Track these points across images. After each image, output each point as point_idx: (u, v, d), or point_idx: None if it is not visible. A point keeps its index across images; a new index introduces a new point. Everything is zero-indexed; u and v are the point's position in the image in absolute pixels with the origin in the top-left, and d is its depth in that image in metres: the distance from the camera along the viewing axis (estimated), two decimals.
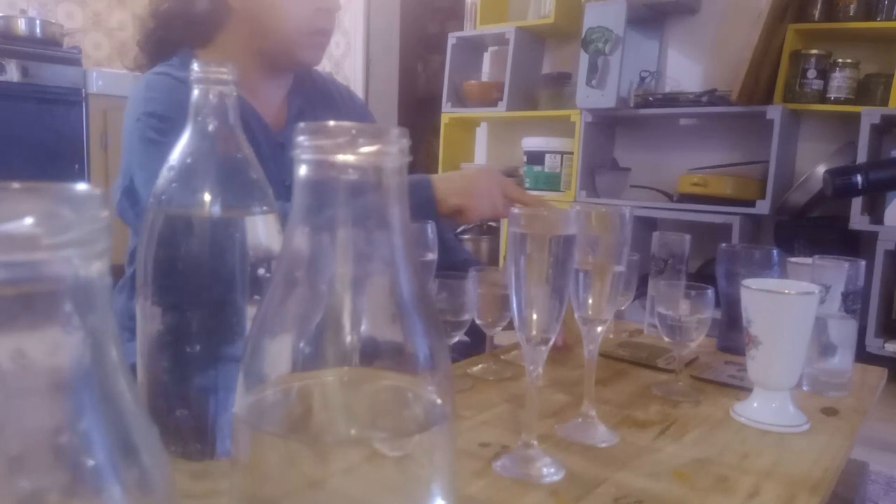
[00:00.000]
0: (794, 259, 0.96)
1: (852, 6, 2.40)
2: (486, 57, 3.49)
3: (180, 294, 0.47)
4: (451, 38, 3.31)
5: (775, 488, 0.62)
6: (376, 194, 0.33)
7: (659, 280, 1.05)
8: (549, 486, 0.60)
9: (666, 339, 0.85)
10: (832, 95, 2.43)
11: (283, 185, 0.91)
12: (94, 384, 0.20)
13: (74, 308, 0.19)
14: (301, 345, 0.33)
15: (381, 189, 0.33)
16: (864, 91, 2.41)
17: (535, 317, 0.60)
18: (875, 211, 2.31)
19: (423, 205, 0.99)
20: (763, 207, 2.43)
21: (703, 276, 2.04)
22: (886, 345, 2.21)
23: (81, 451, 0.20)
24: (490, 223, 3.07)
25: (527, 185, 3.02)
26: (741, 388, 0.87)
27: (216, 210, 0.48)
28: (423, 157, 4.34)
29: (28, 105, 3.34)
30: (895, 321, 2.33)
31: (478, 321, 0.89)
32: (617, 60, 2.69)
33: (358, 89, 3.98)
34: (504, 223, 2.72)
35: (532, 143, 3.03)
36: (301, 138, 0.32)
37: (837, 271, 0.90)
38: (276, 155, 1.05)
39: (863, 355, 1.61)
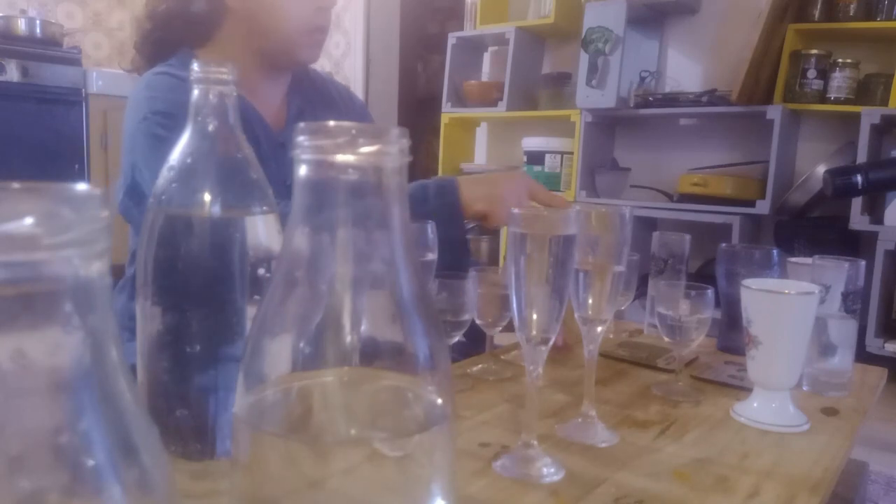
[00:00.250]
0: (794, 259, 0.96)
1: (852, 6, 2.40)
2: (486, 57, 3.49)
3: (180, 294, 0.47)
4: (451, 38, 3.31)
5: (775, 488, 0.62)
6: (376, 194, 0.33)
7: (659, 280, 1.05)
8: (549, 486, 0.60)
9: (666, 339, 0.85)
10: (832, 95, 2.43)
11: (283, 185, 0.91)
12: (94, 384, 0.20)
13: (74, 308, 0.19)
14: (301, 345, 0.33)
15: (381, 189, 0.33)
16: (864, 91, 2.41)
17: (535, 317, 0.60)
18: (875, 211, 2.31)
19: (449, 208, 0.98)
20: (763, 207, 2.43)
21: (703, 276, 2.04)
22: (886, 345, 2.21)
23: (81, 451, 0.20)
24: None
25: None
26: (741, 388, 0.87)
27: (216, 210, 0.48)
28: (423, 157, 4.34)
29: (28, 105, 3.35)
30: (895, 321, 2.33)
31: (478, 321, 0.89)
32: (617, 60, 2.69)
33: (358, 89, 3.98)
34: None
35: (532, 143, 3.03)
36: (301, 138, 0.32)
37: (837, 271, 0.90)
38: (276, 155, 1.05)
39: (863, 355, 1.61)
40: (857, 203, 2.27)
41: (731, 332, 1.04)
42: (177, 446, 0.47)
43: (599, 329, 0.70)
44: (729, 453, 0.69)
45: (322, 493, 0.32)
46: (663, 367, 0.96)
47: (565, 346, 0.99)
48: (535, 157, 3.01)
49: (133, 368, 0.45)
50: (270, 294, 0.34)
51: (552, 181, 2.98)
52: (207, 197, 0.48)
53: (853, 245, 2.31)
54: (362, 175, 0.32)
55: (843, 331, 0.90)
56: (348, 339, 0.33)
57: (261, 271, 0.48)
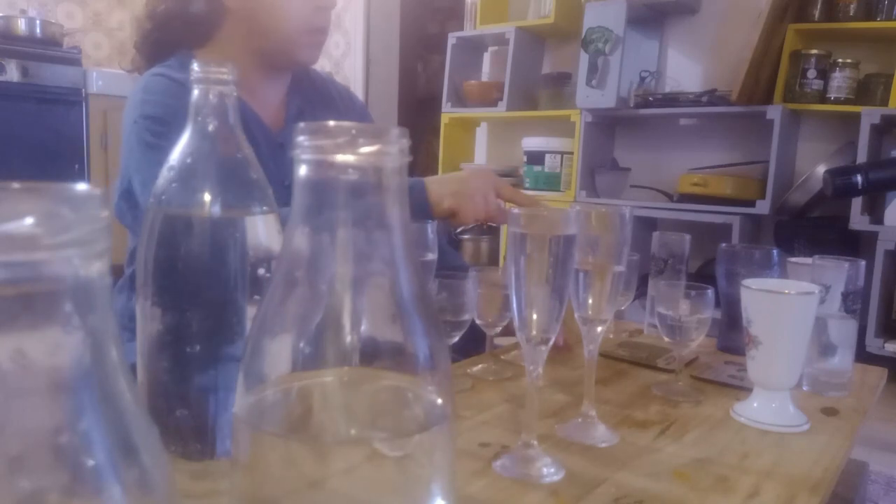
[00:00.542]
0: (794, 259, 0.96)
1: (852, 6, 2.40)
2: (486, 57, 3.49)
3: (180, 294, 0.47)
4: (451, 38, 3.31)
5: (775, 488, 0.62)
6: (376, 194, 0.33)
7: (659, 280, 1.05)
8: (549, 486, 0.60)
9: (666, 339, 0.85)
10: (832, 95, 2.43)
11: (282, 186, 0.91)
12: (94, 384, 0.20)
13: (74, 308, 0.19)
14: (301, 345, 0.33)
15: (381, 189, 0.33)
16: (864, 91, 2.41)
17: (535, 317, 0.60)
18: (875, 211, 2.31)
19: (418, 208, 1.00)
20: (763, 207, 2.42)
21: (703, 276, 2.04)
22: (886, 345, 2.21)
23: (81, 451, 0.20)
24: (490, 224, 3.07)
25: (526, 185, 3.02)
26: (741, 388, 0.87)
27: (216, 210, 0.48)
28: (423, 157, 4.34)
29: (28, 105, 3.34)
30: (895, 321, 2.33)
31: (478, 321, 0.89)
32: (617, 60, 2.69)
33: (358, 89, 3.98)
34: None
35: (532, 143, 3.03)
36: (301, 138, 0.32)
37: (837, 271, 0.90)
38: (275, 155, 1.05)
39: (863, 355, 1.61)
40: (857, 203, 2.27)
41: (731, 332, 1.04)
42: (177, 446, 0.47)
43: (599, 329, 0.70)
44: (729, 453, 0.69)
45: (322, 493, 0.32)
46: (663, 367, 0.96)
47: (566, 346, 0.99)
48: (535, 157, 3.01)
49: (133, 368, 0.45)
50: (270, 294, 0.34)
51: (552, 181, 2.98)
52: (207, 197, 0.48)
53: (853, 245, 2.31)
54: (362, 175, 0.32)
55: (843, 331, 0.90)
56: (348, 339, 0.33)
57: (261, 271, 0.48)
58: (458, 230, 2.98)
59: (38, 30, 3.48)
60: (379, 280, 0.34)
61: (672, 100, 2.69)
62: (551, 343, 0.61)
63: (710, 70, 2.80)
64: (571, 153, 2.94)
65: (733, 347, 1.04)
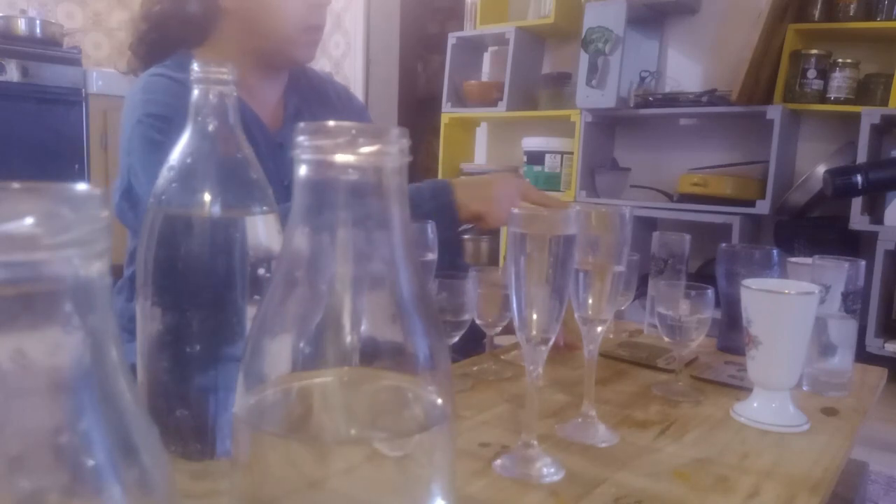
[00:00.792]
0: (794, 259, 0.96)
1: (852, 6, 2.40)
2: (486, 57, 3.49)
3: (180, 294, 0.47)
4: (451, 38, 3.31)
5: (775, 488, 0.62)
6: (376, 194, 0.33)
7: (659, 280, 1.05)
8: (549, 486, 0.60)
9: (666, 339, 0.85)
10: (832, 95, 2.43)
11: (281, 185, 0.91)
12: (94, 384, 0.20)
13: (74, 308, 0.19)
14: (301, 345, 0.33)
15: (381, 189, 0.33)
16: (864, 91, 2.41)
17: (535, 317, 0.60)
18: (875, 211, 2.31)
19: (444, 210, 0.99)
20: (763, 207, 2.42)
21: (703, 276, 2.04)
22: (886, 345, 2.20)
23: (81, 451, 0.20)
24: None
25: None
26: (741, 388, 0.87)
27: (216, 210, 0.48)
28: (423, 157, 4.34)
29: (28, 105, 3.35)
30: (895, 321, 2.33)
31: (478, 321, 0.89)
32: (617, 60, 2.69)
33: (358, 89, 3.98)
34: None
35: (532, 143, 3.03)
36: (301, 138, 0.32)
37: (837, 271, 0.90)
38: (274, 155, 1.05)
39: (863, 355, 1.61)
40: (857, 203, 2.27)
41: (731, 332, 1.04)
42: (177, 446, 0.47)
43: (599, 329, 0.70)
44: (729, 453, 0.69)
45: (322, 493, 0.32)
46: (663, 367, 0.96)
47: (569, 346, 0.99)
48: (535, 157, 3.01)
49: (133, 368, 0.45)
50: (270, 294, 0.34)
51: (552, 181, 2.98)
52: (207, 197, 0.48)
53: (853, 245, 2.31)
54: (362, 175, 0.32)
55: (843, 331, 0.90)
56: (348, 339, 0.33)
57: (261, 271, 0.48)
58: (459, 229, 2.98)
59: (38, 30, 3.48)
60: (379, 280, 0.34)
61: (672, 100, 2.69)
62: (551, 343, 0.61)
63: (710, 70, 2.80)
64: (571, 153, 2.94)
65: (733, 347, 1.04)
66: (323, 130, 0.32)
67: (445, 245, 0.90)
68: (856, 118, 2.27)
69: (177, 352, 0.47)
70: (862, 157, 2.25)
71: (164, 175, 0.48)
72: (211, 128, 0.48)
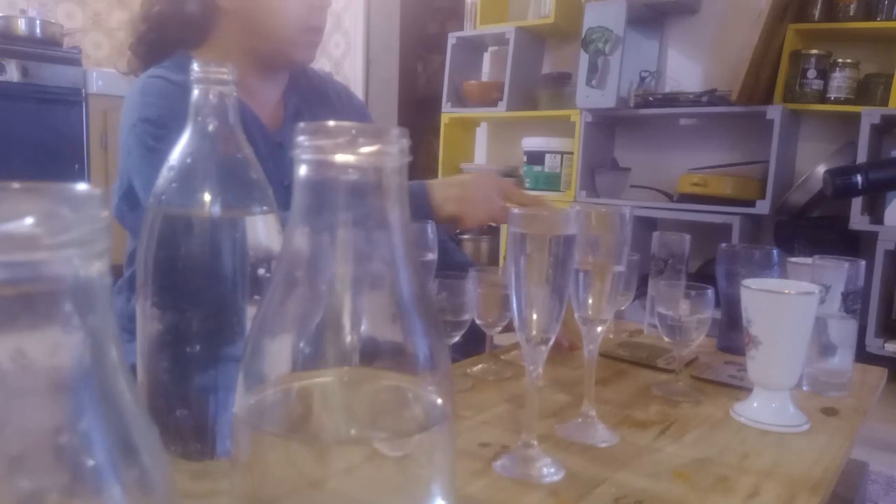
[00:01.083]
0: (794, 259, 0.96)
1: (852, 6, 2.40)
2: (486, 57, 3.49)
3: (180, 294, 0.47)
4: (451, 38, 3.31)
5: (775, 488, 0.62)
6: (376, 194, 0.33)
7: (659, 280, 1.05)
8: (549, 486, 0.60)
9: (666, 339, 0.85)
10: (832, 95, 2.43)
11: (281, 185, 0.91)
12: (94, 384, 0.20)
13: (74, 308, 0.19)
14: (301, 345, 0.33)
15: (381, 189, 0.33)
16: (864, 91, 2.41)
17: (535, 317, 0.60)
18: (875, 211, 2.31)
19: (420, 212, 0.99)
20: (763, 207, 2.42)
21: (703, 276, 2.04)
22: (886, 345, 2.20)
23: (81, 451, 0.20)
24: (490, 224, 3.07)
25: (526, 185, 3.01)
26: (741, 388, 0.87)
27: (216, 210, 0.48)
28: (423, 157, 4.34)
29: (28, 105, 3.35)
30: (895, 321, 2.32)
31: (478, 321, 0.89)
32: (617, 60, 2.69)
33: (358, 89, 3.98)
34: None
35: (532, 143, 3.03)
36: (301, 138, 0.32)
37: (837, 271, 0.90)
38: (274, 155, 1.05)
39: (863, 355, 1.61)
40: (857, 203, 2.27)
41: (731, 332, 1.04)
42: (177, 446, 0.47)
43: (599, 329, 0.70)
44: (729, 453, 0.69)
45: (322, 493, 0.32)
46: (663, 367, 0.96)
47: (572, 345, 0.98)
48: (535, 157, 3.01)
49: (133, 368, 0.45)
50: (270, 294, 0.34)
51: (552, 181, 2.98)
52: (207, 197, 0.48)
53: (853, 245, 2.31)
54: (362, 175, 0.32)
55: (843, 331, 0.90)
56: (348, 339, 0.33)
57: (261, 271, 0.48)
58: (457, 230, 2.98)
59: (38, 30, 3.48)
60: (379, 280, 0.34)
61: (672, 100, 2.69)
62: (551, 343, 0.61)
63: (710, 70, 2.80)
64: (571, 153, 2.94)
65: (733, 347, 1.04)
66: (323, 130, 0.32)
67: (443, 248, 0.90)
68: (856, 118, 2.27)
69: (177, 352, 0.47)
70: (862, 157, 2.25)
71: (164, 175, 0.48)
72: (211, 128, 0.48)
